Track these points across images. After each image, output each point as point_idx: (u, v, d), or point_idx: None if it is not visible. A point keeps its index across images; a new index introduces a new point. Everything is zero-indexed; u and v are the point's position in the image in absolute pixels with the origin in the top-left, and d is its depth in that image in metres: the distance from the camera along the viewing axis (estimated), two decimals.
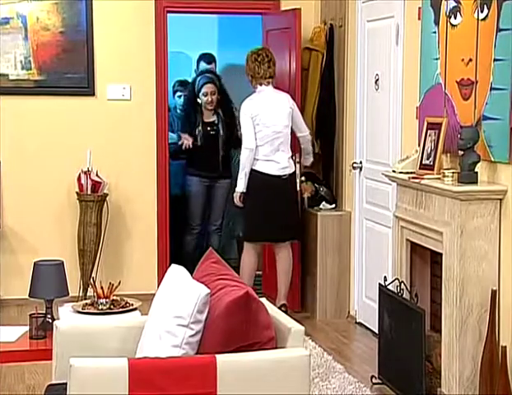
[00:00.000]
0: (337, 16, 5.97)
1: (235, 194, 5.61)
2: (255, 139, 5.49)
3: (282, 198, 5.56)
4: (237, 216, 6.45)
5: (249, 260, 5.62)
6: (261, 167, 5.51)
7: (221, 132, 6.42)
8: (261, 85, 5.60)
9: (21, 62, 6.03)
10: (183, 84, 6.88)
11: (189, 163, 6.51)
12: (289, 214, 5.60)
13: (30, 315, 3.75)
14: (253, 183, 5.51)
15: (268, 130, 5.50)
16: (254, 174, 5.51)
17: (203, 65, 6.89)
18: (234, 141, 6.41)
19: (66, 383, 2.76)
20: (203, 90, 6.37)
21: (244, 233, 5.75)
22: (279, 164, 5.53)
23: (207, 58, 6.95)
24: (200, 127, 6.39)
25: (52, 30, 6.09)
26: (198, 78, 6.47)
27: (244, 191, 5.53)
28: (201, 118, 6.43)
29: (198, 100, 6.40)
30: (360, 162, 5.66)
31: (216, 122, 6.45)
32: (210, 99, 6.38)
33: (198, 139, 6.38)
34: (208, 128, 6.42)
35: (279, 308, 5.56)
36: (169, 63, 6.22)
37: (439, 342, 4.06)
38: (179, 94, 6.88)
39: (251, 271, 5.61)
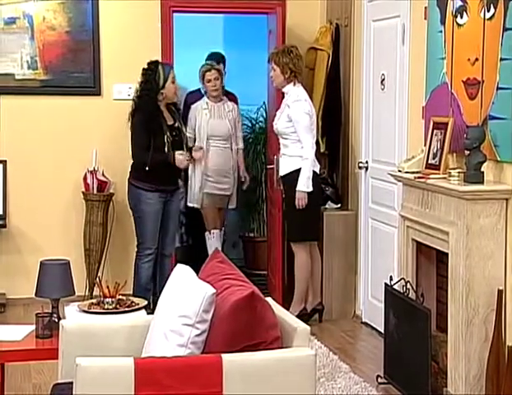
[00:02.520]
0: (343, 15, 5.97)
1: (302, 195, 5.31)
2: None
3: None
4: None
5: (307, 260, 5.47)
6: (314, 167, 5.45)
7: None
8: (300, 83, 5.52)
9: (28, 61, 6.04)
10: None
11: None
12: None
13: (37, 314, 3.76)
14: (314, 183, 5.40)
15: (315, 129, 5.49)
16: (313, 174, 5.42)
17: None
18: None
19: (72, 382, 2.76)
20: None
21: (307, 232, 5.48)
22: (318, 164, 5.52)
23: (216, 57, 6.66)
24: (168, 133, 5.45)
25: (58, 29, 6.10)
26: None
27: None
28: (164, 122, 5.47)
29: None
30: (366, 162, 5.66)
31: (178, 125, 5.56)
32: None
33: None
34: (174, 133, 5.49)
35: (316, 306, 5.57)
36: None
37: (445, 342, 4.05)
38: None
39: (309, 273, 5.52)
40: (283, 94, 5.55)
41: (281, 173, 5.50)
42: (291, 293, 5.65)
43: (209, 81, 6.13)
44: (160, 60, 5.73)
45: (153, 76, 5.40)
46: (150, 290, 5.48)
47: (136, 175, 5.45)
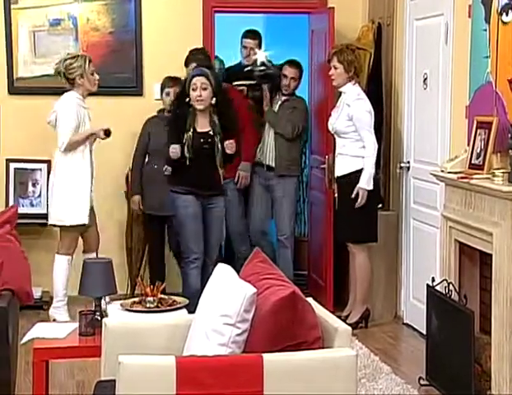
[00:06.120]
0: (385, 14, 5.93)
1: (363, 193, 5.23)
2: None
3: None
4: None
5: (367, 260, 5.40)
6: None
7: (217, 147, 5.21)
8: (358, 82, 5.46)
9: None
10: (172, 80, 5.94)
11: None
12: None
13: (80, 312, 3.80)
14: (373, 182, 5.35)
15: None
16: None
17: (248, 41, 6.38)
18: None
19: (115, 380, 2.79)
20: (192, 83, 5.17)
21: (367, 233, 5.42)
22: None
23: (252, 34, 6.39)
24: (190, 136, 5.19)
25: (101, 30, 6.17)
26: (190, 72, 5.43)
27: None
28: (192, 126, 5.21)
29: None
30: (408, 162, 5.61)
31: (212, 134, 5.21)
32: (199, 94, 5.14)
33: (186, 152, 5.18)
34: (201, 140, 5.21)
35: (366, 311, 5.50)
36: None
37: (489, 344, 4.00)
38: (167, 90, 5.87)
39: (370, 272, 5.44)
40: (340, 93, 5.47)
41: (339, 173, 5.42)
42: (338, 294, 5.64)
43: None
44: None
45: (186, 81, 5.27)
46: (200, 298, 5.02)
47: (171, 179, 5.39)
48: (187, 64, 5.83)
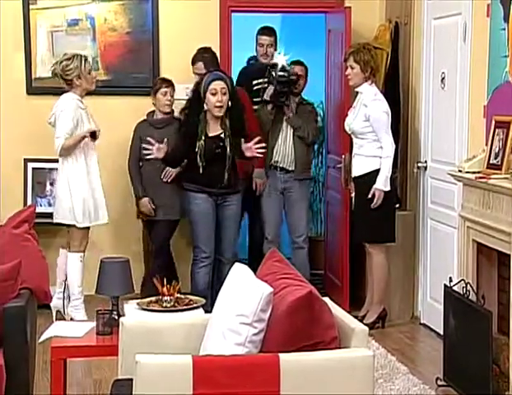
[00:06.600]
0: (403, 13, 5.91)
1: (379, 194, 5.22)
2: None
3: None
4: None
5: (384, 261, 5.39)
6: None
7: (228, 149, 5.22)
8: (374, 82, 5.44)
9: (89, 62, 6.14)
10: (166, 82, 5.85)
11: None
12: None
13: (97, 311, 3.82)
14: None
15: None
16: None
17: (263, 39, 6.24)
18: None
19: (132, 379, 2.80)
20: (211, 87, 5.12)
21: (384, 233, 5.39)
22: None
23: (268, 30, 6.22)
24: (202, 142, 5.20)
25: (119, 30, 6.20)
26: (206, 76, 5.29)
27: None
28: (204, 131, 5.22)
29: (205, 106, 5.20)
30: (425, 161, 5.59)
31: (223, 136, 5.23)
32: (220, 99, 5.12)
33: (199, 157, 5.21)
34: (214, 145, 5.22)
35: (383, 312, 5.48)
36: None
37: (507, 345, 3.98)
38: (163, 90, 5.75)
39: (387, 273, 5.43)
40: (356, 93, 5.45)
41: (356, 173, 5.40)
42: (354, 294, 5.62)
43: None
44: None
45: (200, 86, 5.23)
46: (207, 297, 4.86)
47: (184, 178, 5.43)
48: (193, 62, 5.84)
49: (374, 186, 5.24)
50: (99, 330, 3.77)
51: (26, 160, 6.13)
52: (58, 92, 5.50)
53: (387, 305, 5.58)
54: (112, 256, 4.25)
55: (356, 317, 3.40)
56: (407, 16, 5.85)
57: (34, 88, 6.14)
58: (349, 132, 5.49)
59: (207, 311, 3.76)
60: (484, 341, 3.97)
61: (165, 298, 3.98)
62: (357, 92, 5.46)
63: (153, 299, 4.05)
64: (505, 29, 4.37)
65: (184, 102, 5.68)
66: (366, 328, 2.94)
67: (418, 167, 5.63)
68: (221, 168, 5.25)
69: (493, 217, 4.10)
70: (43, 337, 3.87)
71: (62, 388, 3.68)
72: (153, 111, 5.84)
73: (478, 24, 4.77)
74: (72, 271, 5.40)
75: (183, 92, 6.13)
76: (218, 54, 6.11)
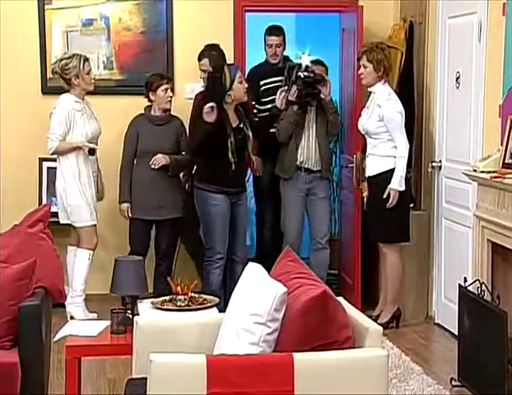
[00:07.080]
0: (417, 12, 5.89)
1: (394, 194, 5.20)
2: None
3: None
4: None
5: (398, 261, 5.38)
6: None
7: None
8: (387, 82, 5.42)
9: (104, 62, 6.18)
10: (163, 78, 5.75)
11: None
12: None
13: (111, 310, 3.83)
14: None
15: None
16: None
17: (272, 39, 6.11)
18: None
19: (146, 378, 2.81)
20: (238, 76, 5.25)
21: (399, 233, 5.37)
22: None
23: (276, 30, 6.13)
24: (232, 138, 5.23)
25: (133, 30, 6.22)
26: (227, 70, 5.30)
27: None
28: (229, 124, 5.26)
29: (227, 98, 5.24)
30: (440, 161, 5.57)
31: (242, 126, 5.33)
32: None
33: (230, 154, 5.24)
34: (240, 137, 5.31)
35: (397, 311, 5.46)
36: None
37: None
38: (164, 87, 5.64)
39: (402, 272, 5.42)
40: (370, 93, 5.43)
41: (370, 173, 5.39)
42: (368, 293, 5.59)
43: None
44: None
45: (219, 80, 5.24)
46: (220, 297, 4.76)
47: (201, 177, 5.40)
48: (200, 59, 5.85)
49: (390, 186, 5.22)
50: (113, 329, 3.78)
51: (41, 160, 6.15)
52: None
53: (401, 305, 5.57)
54: (126, 255, 4.27)
55: (370, 316, 3.39)
56: (421, 15, 5.83)
57: (49, 88, 6.16)
58: (363, 133, 5.48)
59: (220, 310, 3.76)
60: (499, 342, 3.95)
61: (179, 297, 3.98)
62: (371, 92, 5.45)
63: (167, 298, 4.06)
64: None
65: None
66: (380, 328, 2.93)
67: (433, 167, 5.61)
68: (242, 161, 5.33)
69: (508, 217, 4.08)
70: (58, 336, 3.88)
71: (76, 386, 3.69)
72: (150, 106, 5.74)
73: (494, 23, 4.75)
74: (78, 268, 5.43)
75: (197, 91, 6.13)
76: (232, 54, 6.12)
